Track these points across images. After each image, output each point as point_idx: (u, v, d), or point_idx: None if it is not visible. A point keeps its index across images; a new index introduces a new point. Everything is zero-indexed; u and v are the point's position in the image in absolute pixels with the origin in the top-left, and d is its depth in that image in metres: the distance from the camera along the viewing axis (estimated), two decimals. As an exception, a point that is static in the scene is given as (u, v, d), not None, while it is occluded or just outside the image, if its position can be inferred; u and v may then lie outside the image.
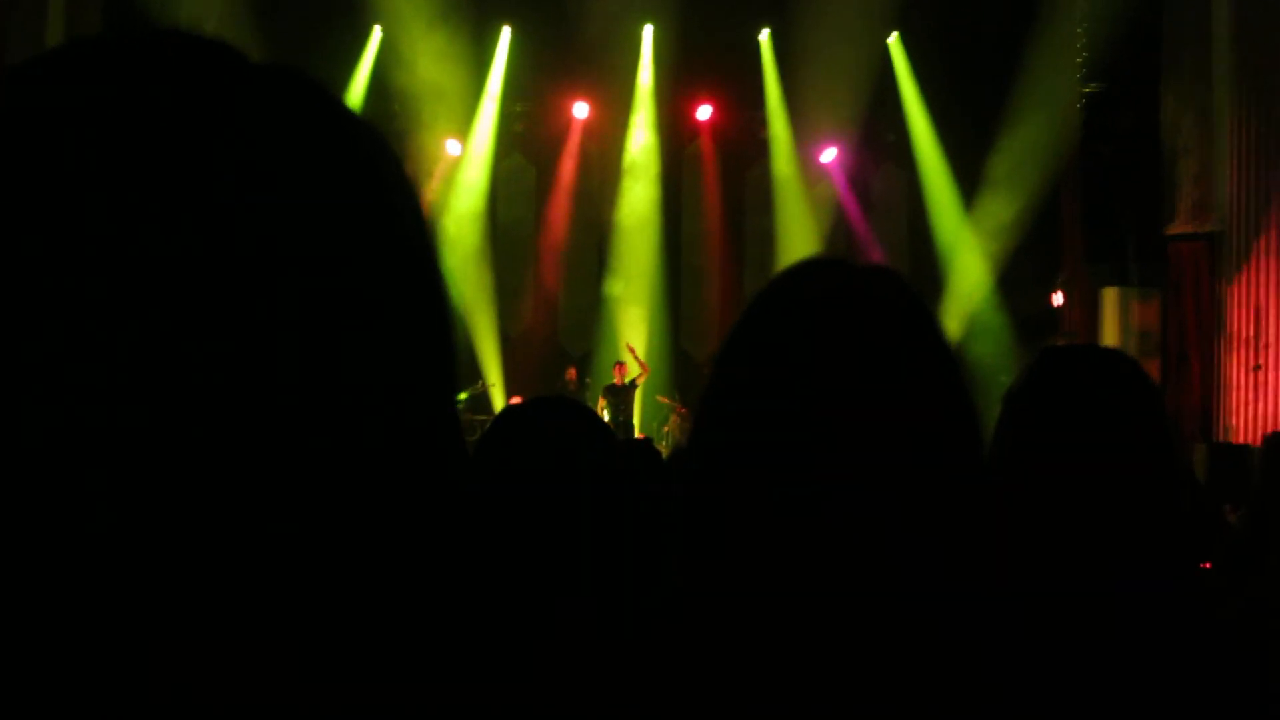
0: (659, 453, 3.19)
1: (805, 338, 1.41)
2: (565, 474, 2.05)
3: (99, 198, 0.72)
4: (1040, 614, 1.85)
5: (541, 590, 2.00)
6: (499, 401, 20.42)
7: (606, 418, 18.23)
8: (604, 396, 18.58)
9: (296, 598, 0.74)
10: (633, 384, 18.81)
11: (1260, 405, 15.31)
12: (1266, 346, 15.42)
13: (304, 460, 0.75)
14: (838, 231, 21.97)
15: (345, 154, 0.85)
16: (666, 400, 19.84)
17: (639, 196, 22.13)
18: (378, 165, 0.87)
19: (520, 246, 22.59)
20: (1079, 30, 19.07)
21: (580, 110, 22.16)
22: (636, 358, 19.40)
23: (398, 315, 0.84)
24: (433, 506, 0.83)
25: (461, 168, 21.87)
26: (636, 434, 18.59)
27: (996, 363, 18.06)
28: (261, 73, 0.83)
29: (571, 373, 20.42)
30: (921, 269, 20.97)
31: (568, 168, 22.53)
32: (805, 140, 21.88)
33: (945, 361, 1.45)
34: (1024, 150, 19.69)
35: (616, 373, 18.81)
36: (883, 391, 1.38)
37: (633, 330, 21.70)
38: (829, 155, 22.00)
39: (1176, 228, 17.06)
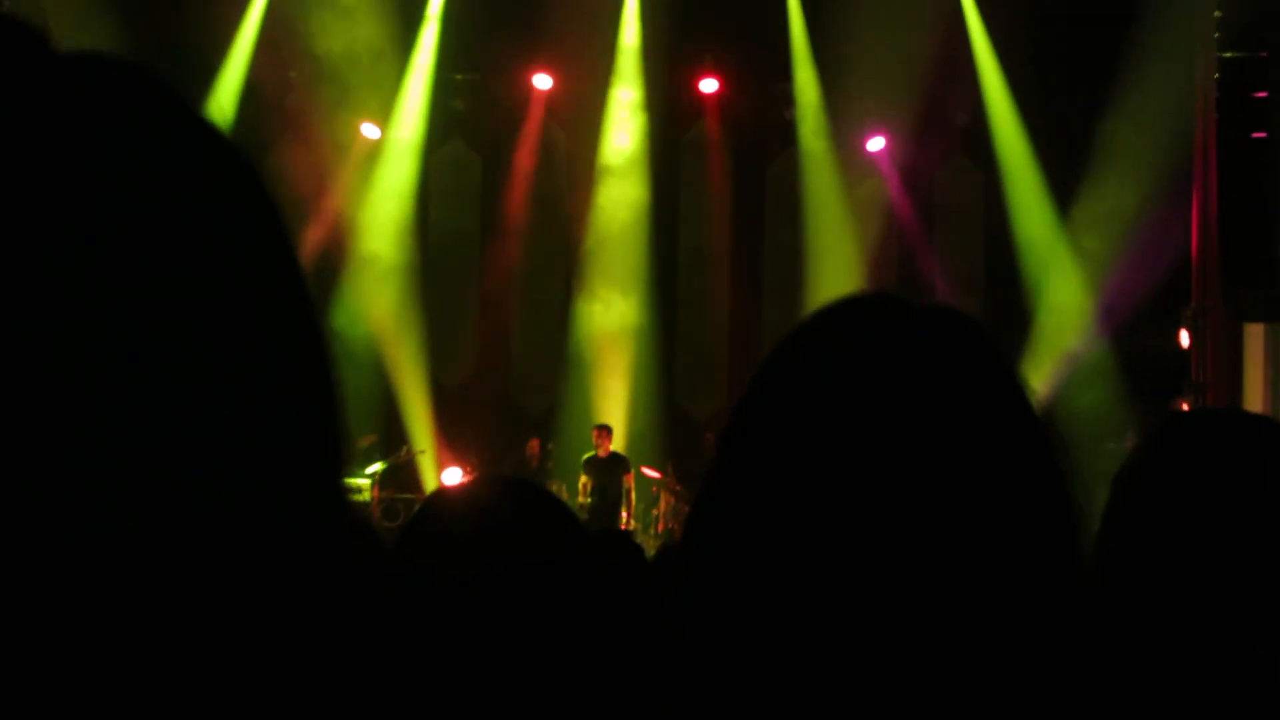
0: (640, 549, 3.17)
1: (845, 405, 1.41)
2: (501, 595, 2.03)
3: None
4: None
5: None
6: (430, 476, 20.37)
7: (587, 500, 18.15)
8: (585, 472, 18.59)
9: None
10: (621, 459, 18.73)
11: None
12: None
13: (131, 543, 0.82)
14: (889, 248, 22.02)
15: (193, 174, 0.91)
16: (656, 473, 19.78)
17: (621, 200, 22.19)
18: (235, 187, 0.93)
19: (460, 266, 22.60)
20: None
21: (542, 82, 22.24)
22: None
23: (252, 367, 0.89)
24: (300, 608, 0.89)
25: (382, 159, 21.91)
26: (627, 522, 18.49)
27: (1101, 424, 18.06)
28: (81, 69, 0.89)
29: (533, 445, 20.28)
30: (1002, 294, 20.98)
31: (525, 160, 22.57)
32: (845, 124, 21.95)
33: (1032, 439, 1.44)
34: (1139, 139, 19.77)
35: (597, 439, 18.70)
36: (948, 479, 1.38)
37: (614, 382, 21.69)
38: (877, 144, 22.07)
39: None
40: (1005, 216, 21.85)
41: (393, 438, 20.61)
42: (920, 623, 1.34)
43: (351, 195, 21.53)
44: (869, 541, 1.36)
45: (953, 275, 21.75)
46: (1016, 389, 1.47)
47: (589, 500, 18.17)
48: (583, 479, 18.53)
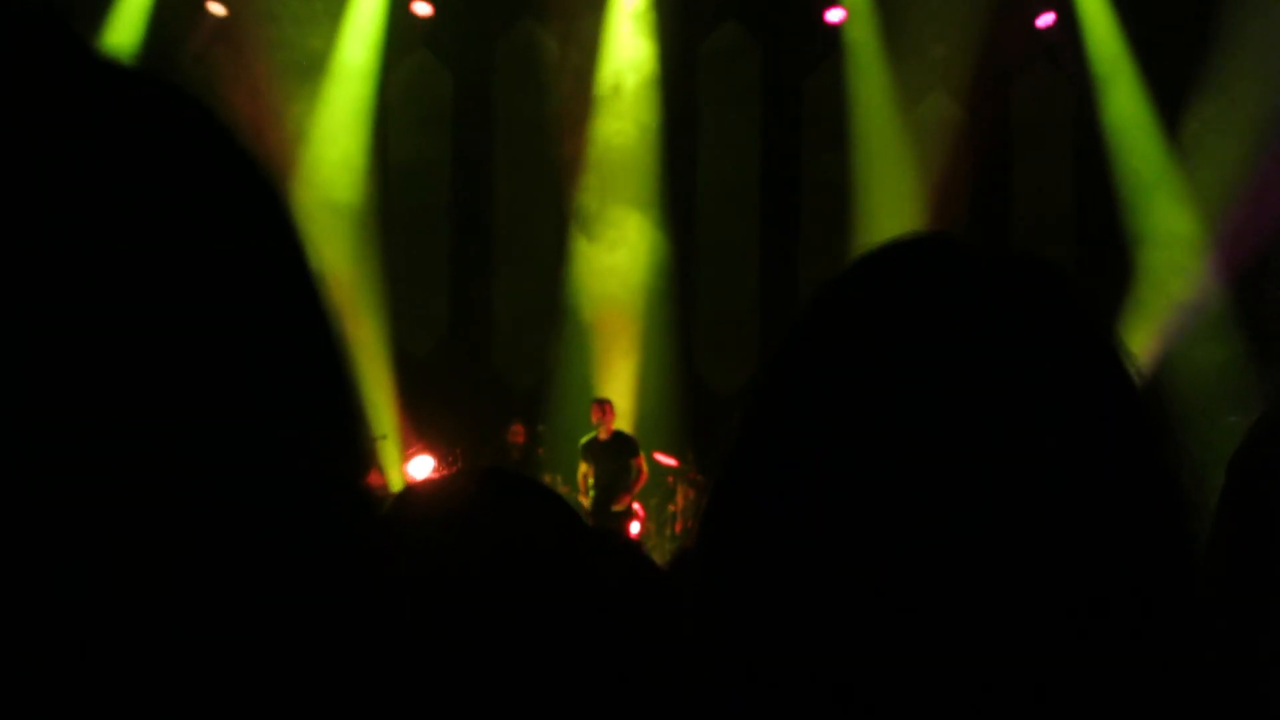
0: (647, 559, 3.16)
1: (897, 373, 1.40)
2: (483, 612, 2.03)
3: None
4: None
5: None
6: (394, 467, 20.33)
7: (590, 495, 18.00)
8: (585, 459, 18.34)
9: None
10: (628, 439, 18.39)
11: None
12: None
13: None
14: (956, 179, 21.88)
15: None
16: (673, 461, 19.72)
17: (625, 125, 22.12)
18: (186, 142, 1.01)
19: (429, 209, 22.53)
20: None
21: (526, -20, 22.16)
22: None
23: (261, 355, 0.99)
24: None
25: (330, 78, 21.82)
26: (637, 521, 18.31)
27: (1220, 393, 18.01)
28: None
29: (517, 431, 20.13)
30: (1097, 234, 20.92)
31: (507, 77, 22.46)
32: (901, 25, 21.86)
33: (1129, 415, 1.43)
34: (1268, 32, 19.62)
35: (596, 416, 18.33)
36: (1025, 464, 1.37)
37: (618, 350, 21.59)
38: (940, 50, 21.96)
39: None
40: (1099, 136, 21.73)
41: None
42: (997, 639, 1.34)
43: (293, 123, 21.41)
44: (930, 538, 1.35)
45: (1035, 211, 21.69)
46: (1111, 353, 1.45)
47: (592, 494, 17.96)
48: (582, 468, 18.33)
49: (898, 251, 1.52)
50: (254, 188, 1.03)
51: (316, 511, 1.00)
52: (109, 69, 0.99)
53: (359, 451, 1.05)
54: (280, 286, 1.01)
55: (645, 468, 18.39)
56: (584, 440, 18.53)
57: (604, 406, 18.67)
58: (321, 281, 1.05)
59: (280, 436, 0.97)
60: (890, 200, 21.04)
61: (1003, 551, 1.34)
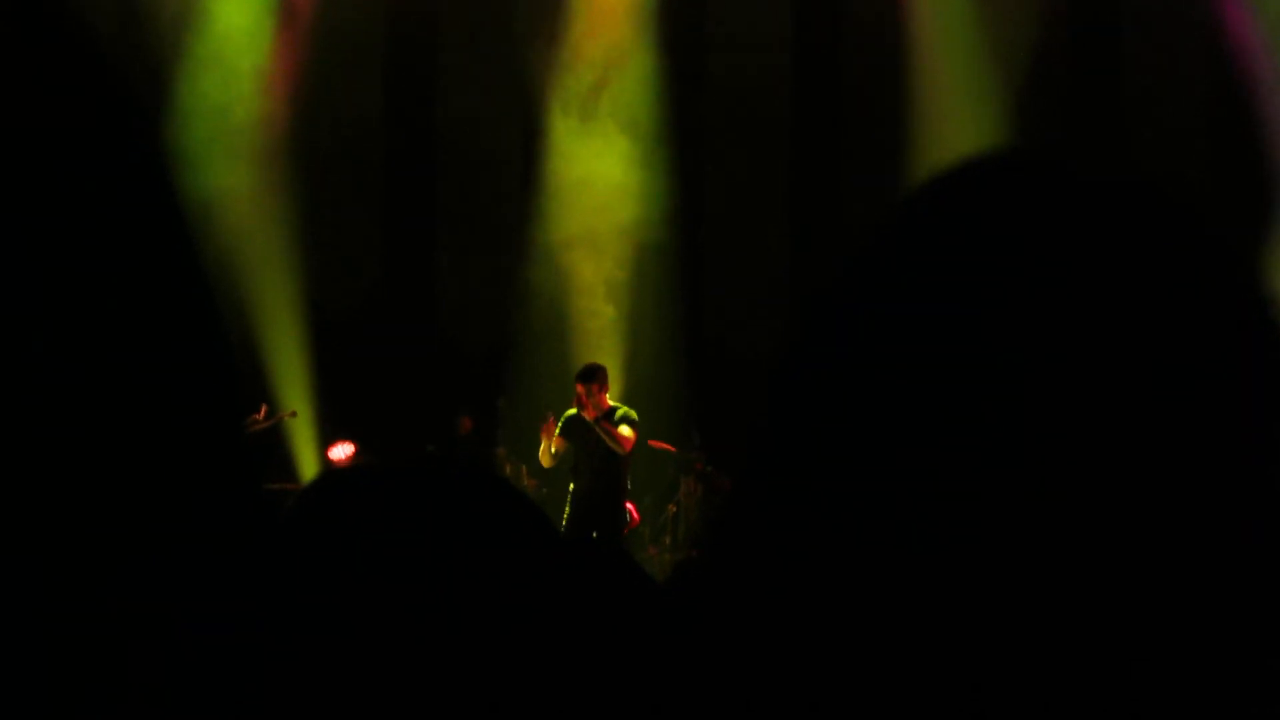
0: (640, 572, 3.17)
1: (983, 334, 1.39)
2: (418, 640, 2.03)
3: None
4: None
5: None
6: (307, 452, 20.39)
7: (548, 463, 17.77)
8: (566, 438, 17.64)
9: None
10: (625, 417, 17.67)
11: None
12: None
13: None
14: (1047, 78, 21.85)
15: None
16: (672, 449, 19.68)
17: (614, 14, 22.03)
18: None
19: (355, 125, 22.51)
20: None
21: None
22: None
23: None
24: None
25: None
26: (629, 518, 18.13)
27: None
28: None
29: (464, 424, 20.03)
30: (1236, 150, 20.96)
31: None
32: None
33: (1267, 365, 1.42)
34: None
35: (583, 391, 17.63)
36: (1149, 446, 1.37)
37: (603, 304, 21.59)
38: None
39: None
40: (1238, 15, 21.72)
41: (251, 395, 20.23)
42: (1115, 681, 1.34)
43: (176, 13, 21.43)
44: (1030, 551, 1.35)
45: (1157, 124, 21.62)
46: (1256, 305, 1.44)
47: (572, 489, 17.68)
48: (555, 444, 17.70)
49: (975, 174, 1.50)
50: (97, 92, 1.06)
51: (182, 509, 1.09)
52: None
53: (238, 433, 1.13)
54: (128, 224, 1.06)
55: (634, 434, 17.64)
56: (567, 415, 17.76)
57: (592, 378, 17.74)
58: (191, 219, 1.09)
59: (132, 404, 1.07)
60: (961, 107, 21.00)
61: (1115, 560, 1.34)
